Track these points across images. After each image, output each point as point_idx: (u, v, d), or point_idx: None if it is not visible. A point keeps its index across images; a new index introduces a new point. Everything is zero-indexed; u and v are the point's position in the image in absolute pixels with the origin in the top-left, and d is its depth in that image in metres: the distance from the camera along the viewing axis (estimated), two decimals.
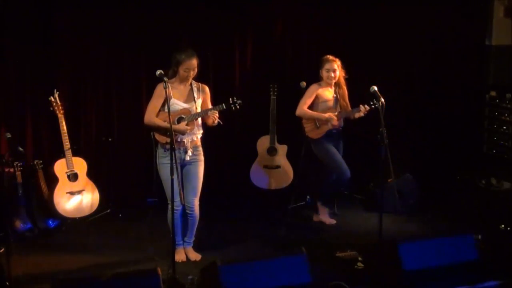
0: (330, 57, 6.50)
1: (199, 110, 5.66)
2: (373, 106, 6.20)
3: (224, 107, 5.62)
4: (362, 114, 6.39)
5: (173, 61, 5.58)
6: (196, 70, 5.59)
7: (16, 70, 6.83)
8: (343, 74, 6.55)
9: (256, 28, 7.62)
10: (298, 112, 6.54)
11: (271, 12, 7.60)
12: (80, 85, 7.11)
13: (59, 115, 6.47)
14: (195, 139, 5.68)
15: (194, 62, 5.55)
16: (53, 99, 6.46)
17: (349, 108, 6.56)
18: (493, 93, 8.10)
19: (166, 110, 5.27)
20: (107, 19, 6.96)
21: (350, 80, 6.70)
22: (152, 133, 5.64)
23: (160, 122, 5.56)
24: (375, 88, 5.73)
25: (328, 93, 6.54)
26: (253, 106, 7.39)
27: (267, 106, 7.17)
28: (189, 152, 5.63)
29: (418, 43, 8.00)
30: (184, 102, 5.62)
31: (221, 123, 5.70)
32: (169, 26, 7.18)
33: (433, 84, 8.23)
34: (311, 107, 6.55)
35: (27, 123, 6.91)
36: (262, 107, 7.27)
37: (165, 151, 5.58)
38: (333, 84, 6.54)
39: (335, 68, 6.47)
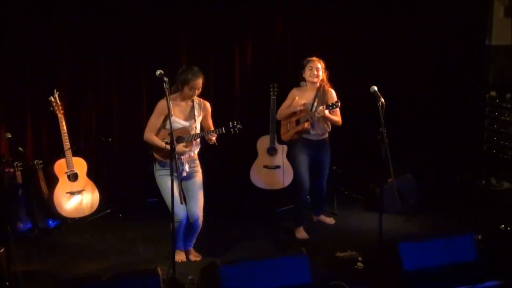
0: (314, 58, 6.33)
1: (198, 127, 5.65)
2: (331, 108, 6.13)
3: (223, 131, 5.60)
4: (319, 114, 6.15)
5: (179, 78, 5.55)
6: (200, 89, 5.58)
7: (16, 70, 6.83)
8: (327, 77, 6.33)
9: (256, 28, 7.62)
10: (277, 115, 6.54)
11: (271, 12, 7.60)
12: (80, 85, 7.11)
13: (59, 115, 6.47)
14: (192, 154, 5.69)
15: (200, 81, 5.54)
16: (53, 99, 6.46)
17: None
18: (493, 93, 8.10)
19: (167, 126, 5.29)
20: (107, 19, 6.96)
21: (350, 80, 6.69)
22: (150, 150, 5.66)
23: (159, 141, 5.56)
24: (375, 88, 5.71)
25: (306, 97, 6.33)
26: (253, 106, 7.39)
27: (267, 106, 7.16)
28: (186, 168, 5.64)
29: (418, 43, 7.99)
30: (184, 120, 5.61)
31: (216, 144, 5.67)
32: (169, 26, 7.18)
33: (433, 84, 8.23)
34: None
35: (27, 123, 6.91)
36: (262, 107, 7.26)
37: (163, 166, 5.60)
38: (316, 85, 6.33)
39: (318, 67, 6.27)
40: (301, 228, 6.50)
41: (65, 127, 6.47)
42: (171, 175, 5.11)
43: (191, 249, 5.92)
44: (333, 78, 6.50)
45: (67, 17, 6.87)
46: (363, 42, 7.74)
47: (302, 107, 6.31)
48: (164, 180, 5.50)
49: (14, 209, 6.29)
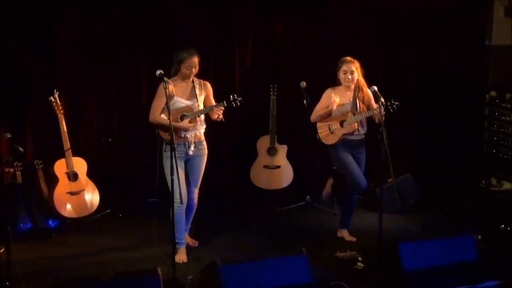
0: (348, 58, 6.03)
1: (201, 106, 5.75)
2: (389, 106, 5.88)
3: (225, 105, 5.69)
4: (382, 113, 5.72)
5: (175, 59, 5.67)
6: (197, 67, 5.68)
7: (17, 70, 6.83)
8: (363, 76, 6.09)
9: (256, 28, 7.62)
10: (312, 117, 6.16)
11: (271, 12, 7.60)
12: (80, 85, 7.11)
13: (59, 115, 6.47)
14: (198, 134, 5.79)
15: (196, 60, 5.65)
16: (53, 99, 6.46)
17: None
18: (493, 93, 8.09)
19: (171, 107, 5.37)
20: (107, 19, 6.97)
21: None
22: (157, 131, 5.70)
23: (164, 120, 5.61)
24: (375, 88, 5.72)
25: (344, 97, 6.05)
26: (253, 106, 7.39)
27: (267, 106, 7.17)
28: (192, 147, 5.73)
29: (418, 43, 7.99)
30: (187, 100, 5.71)
31: (223, 121, 5.73)
32: (169, 26, 7.19)
33: (433, 84, 8.22)
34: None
35: (27, 123, 6.92)
36: (262, 107, 7.27)
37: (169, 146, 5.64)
38: (352, 87, 6.06)
39: (353, 70, 5.98)
40: (347, 231, 6.29)
41: (65, 127, 6.47)
42: (171, 157, 5.17)
43: (187, 235, 6.03)
44: (333, 78, 6.49)
45: (67, 16, 6.87)
46: (363, 42, 7.73)
47: (334, 107, 5.97)
48: (170, 162, 5.47)
49: (14, 209, 6.28)
